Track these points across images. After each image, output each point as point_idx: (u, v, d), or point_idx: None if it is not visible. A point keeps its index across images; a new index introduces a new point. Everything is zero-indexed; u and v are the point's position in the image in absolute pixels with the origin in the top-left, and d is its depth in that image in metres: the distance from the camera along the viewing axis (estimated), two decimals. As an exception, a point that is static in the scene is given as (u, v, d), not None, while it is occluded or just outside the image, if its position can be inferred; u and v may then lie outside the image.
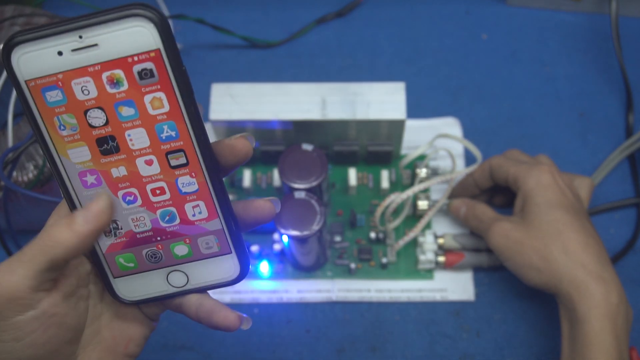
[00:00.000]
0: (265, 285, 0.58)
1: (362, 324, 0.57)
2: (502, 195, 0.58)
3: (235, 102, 0.55)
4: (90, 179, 0.33)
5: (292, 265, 0.58)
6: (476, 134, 0.64)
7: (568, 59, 0.68)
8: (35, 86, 0.30)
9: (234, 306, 0.57)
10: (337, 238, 0.58)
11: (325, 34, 0.70)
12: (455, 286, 0.57)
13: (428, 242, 0.57)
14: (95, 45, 0.30)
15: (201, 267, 0.35)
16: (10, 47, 0.30)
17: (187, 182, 0.33)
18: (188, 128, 0.32)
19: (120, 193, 0.33)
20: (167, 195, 0.33)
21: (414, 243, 0.58)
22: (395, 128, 0.56)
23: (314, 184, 0.52)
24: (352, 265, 0.57)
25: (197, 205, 0.34)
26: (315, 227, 0.50)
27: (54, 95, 0.31)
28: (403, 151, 0.62)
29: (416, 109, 0.65)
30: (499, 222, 0.51)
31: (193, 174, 0.33)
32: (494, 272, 0.58)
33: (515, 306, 0.57)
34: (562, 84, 0.66)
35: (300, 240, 0.51)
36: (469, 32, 0.69)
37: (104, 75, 0.30)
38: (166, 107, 0.31)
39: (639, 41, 0.68)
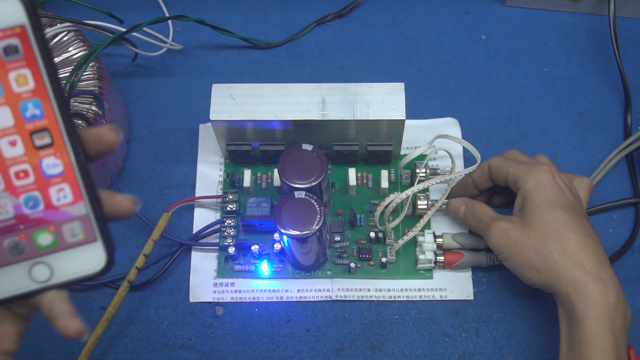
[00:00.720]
0: (265, 284, 0.58)
1: (362, 323, 0.57)
2: (501, 196, 0.59)
3: (236, 102, 0.56)
4: None
5: (292, 264, 0.58)
6: (475, 134, 0.64)
7: (567, 60, 0.68)
8: None
9: (234, 305, 0.58)
10: (337, 238, 0.59)
11: (325, 34, 0.70)
12: (455, 285, 0.58)
13: (427, 242, 0.57)
14: None
15: (66, 257, 0.33)
16: None
17: (52, 164, 0.32)
18: (53, 106, 0.31)
19: None
20: (32, 179, 0.32)
21: (414, 243, 0.59)
22: (395, 128, 0.56)
23: (314, 184, 0.52)
24: (352, 265, 0.57)
25: (62, 189, 0.32)
26: (315, 227, 0.50)
27: None
28: (403, 151, 0.62)
29: (416, 109, 0.65)
30: (498, 221, 0.52)
31: (58, 154, 0.32)
32: (493, 271, 0.58)
33: (515, 305, 0.57)
34: (560, 84, 0.67)
35: (300, 240, 0.51)
36: (468, 32, 0.70)
37: None
38: (31, 85, 0.31)
39: (637, 42, 0.68)
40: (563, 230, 0.49)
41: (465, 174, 0.57)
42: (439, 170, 0.60)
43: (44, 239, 0.33)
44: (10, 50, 0.30)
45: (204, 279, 0.58)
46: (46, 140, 0.31)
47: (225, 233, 0.58)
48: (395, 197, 0.54)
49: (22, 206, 0.32)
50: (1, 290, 0.33)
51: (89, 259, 0.33)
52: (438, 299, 0.57)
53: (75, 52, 0.58)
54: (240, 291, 0.58)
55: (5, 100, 0.31)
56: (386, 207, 0.55)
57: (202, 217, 0.60)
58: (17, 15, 0.29)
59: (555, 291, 0.49)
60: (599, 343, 0.45)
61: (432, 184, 0.55)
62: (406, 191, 0.54)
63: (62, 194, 0.32)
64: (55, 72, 0.31)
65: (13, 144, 0.31)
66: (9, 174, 0.32)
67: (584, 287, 0.47)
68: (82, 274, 0.33)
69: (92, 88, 0.57)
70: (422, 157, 0.60)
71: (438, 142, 0.61)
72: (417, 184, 0.55)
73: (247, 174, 0.60)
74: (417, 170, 0.58)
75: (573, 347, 0.47)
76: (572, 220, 0.49)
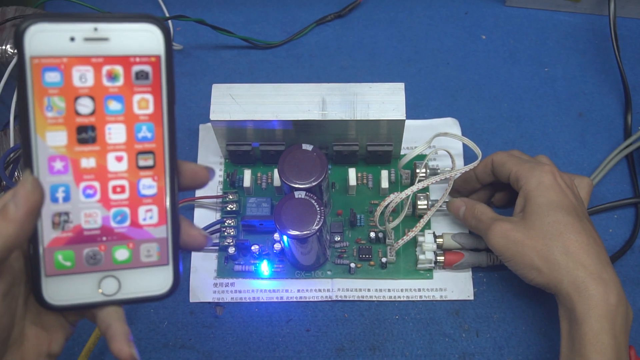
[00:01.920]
0: (266, 284, 0.58)
1: (362, 323, 0.57)
2: (501, 195, 0.59)
3: (236, 102, 0.56)
4: (58, 165, 0.33)
5: (292, 264, 0.58)
6: (475, 134, 0.64)
7: (567, 60, 0.68)
8: (38, 64, 0.32)
9: (234, 305, 0.58)
10: (337, 238, 0.59)
11: (325, 34, 0.70)
12: (455, 286, 0.58)
13: (427, 242, 0.57)
14: (107, 39, 0.32)
15: (136, 275, 0.35)
16: (29, 23, 0.31)
17: (148, 185, 0.34)
18: (164, 133, 0.34)
19: (82, 185, 0.33)
20: (126, 195, 0.34)
21: (414, 243, 0.59)
22: (395, 128, 0.56)
23: (314, 184, 0.52)
24: (352, 265, 0.57)
25: (150, 210, 0.34)
26: (315, 227, 0.50)
27: (52, 77, 0.32)
28: (403, 151, 0.62)
29: (416, 109, 0.65)
30: (498, 222, 0.51)
31: (156, 177, 0.34)
32: (493, 271, 0.58)
33: (514, 305, 0.57)
34: (560, 85, 0.67)
35: (300, 240, 0.51)
36: (468, 32, 0.70)
37: (105, 69, 0.32)
38: (150, 109, 0.33)
39: (637, 42, 0.68)
40: (565, 231, 0.49)
41: (470, 169, 0.57)
42: (439, 170, 0.60)
43: (121, 254, 0.35)
44: (141, 75, 0.33)
45: (204, 279, 0.58)
46: (149, 162, 0.34)
47: (226, 233, 0.58)
48: (395, 197, 0.54)
49: (110, 219, 0.34)
50: (69, 297, 0.34)
51: (156, 280, 0.35)
52: (438, 299, 0.57)
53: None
54: (240, 291, 0.58)
55: (124, 119, 0.33)
56: (386, 207, 0.55)
57: (202, 217, 0.60)
58: (156, 45, 0.33)
59: (557, 292, 0.49)
60: (600, 344, 0.45)
61: (432, 183, 0.55)
62: (405, 191, 0.54)
63: (149, 215, 0.35)
64: (173, 102, 0.34)
65: (119, 159, 0.34)
66: (107, 187, 0.34)
67: (585, 288, 0.47)
68: (147, 294, 0.35)
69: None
70: (421, 157, 0.60)
71: (438, 142, 0.61)
72: (417, 183, 0.55)
73: (247, 174, 0.60)
74: (417, 170, 0.58)
75: (573, 347, 0.47)
76: (574, 221, 0.49)
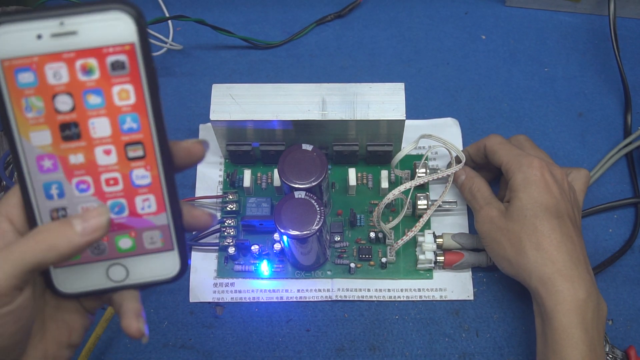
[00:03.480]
0: (266, 284, 0.58)
1: (362, 323, 0.57)
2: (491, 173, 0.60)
3: (236, 102, 0.56)
4: (47, 163, 0.33)
5: (292, 264, 0.58)
6: (475, 134, 0.64)
7: (567, 60, 0.68)
8: (9, 66, 0.31)
9: (234, 305, 0.58)
10: (337, 238, 0.59)
11: (325, 34, 0.70)
12: (455, 286, 0.58)
13: (427, 242, 0.57)
14: (75, 32, 0.31)
15: (143, 262, 0.35)
16: None
17: (141, 175, 0.34)
18: (150, 122, 0.33)
19: (74, 180, 0.33)
20: (120, 187, 0.34)
21: (414, 243, 0.59)
22: (395, 128, 0.56)
23: (314, 184, 0.52)
24: (352, 265, 0.57)
25: (148, 199, 0.34)
26: (315, 227, 0.50)
27: (26, 77, 0.31)
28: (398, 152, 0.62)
29: (416, 109, 0.65)
30: (488, 207, 0.53)
31: (148, 167, 0.34)
32: (493, 271, 0.58)
33: (514, 305, 0.57)
34: (560, 85, 0.67)
35: (300, 240, 0.51)
36: (468, 32, 0.70)
37: (78, 63, 0.31)
38: (132, 100, 0.32)
39: (637, 42, 0.68)
40: (540, 227, 0.50)
41: (464, 148, 0.59)
42: (439, 170, 0.60)
43: (125, 243, 0.35)
44: (117, 66, 0.32)
45: (204, 279, 0.58)
46: (139, 152, 0.33)
47: (225, 233, 0.58)
48: (386, 199, 0.54)
49: None
50: (81, 285, 0.35)
51: (164, 265, 0.36)
52: (438, 299, 0.57)
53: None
54: (240, 291, 0.58)
55: (106, 112, 0.32)
56: (382, 207, 0.55)
57: (202, 217, 0.60)
58: (128, 33, 0.31)
59: (527, 286, 0.50)
60: (570, 338, 0.46)
61: (426, 181, 0.55)
62: (398, 187, 0.53)
63: (147, 204, 0.34)
64: (156, 90, 0.33)
65: (107, 152, 0.33)
66: (100, 180, 0.33)
67: (552, 284, 0.48)
68: (156, 278, 0.36)
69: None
70: (415, 157, 0.60)
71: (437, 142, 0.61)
72: (410, 181, 0.55)
73: (247, 174, 0.60)
74: (417, 170, 0.58)
75: (546, 343, 0.48)
76: (550, 218, 0.50)
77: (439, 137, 0.55)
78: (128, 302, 0.35)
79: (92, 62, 0.31)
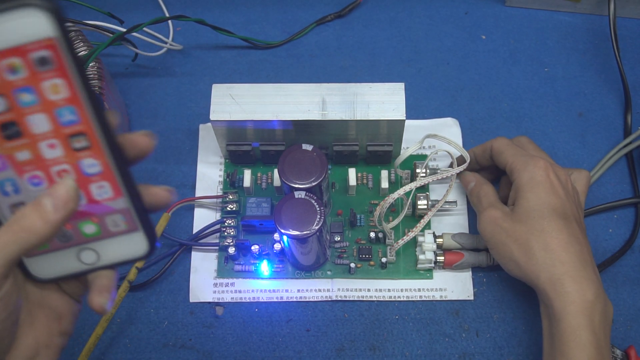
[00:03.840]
0: (266, 284, 0.58)
1: (362, 323, 0.57)
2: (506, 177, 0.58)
3: (236, 102, 0.56)
4: None
5: (292, 264, 0.58)
6: (475, 134, 0.64)
7: (567, 60, 0.68)
8: None
9: (234, 305, 0.58)
10: (337, 238, 0.59)
11: (325, 34, 0.70)
12: (455, 286, 0.58)
13: (427, 242, 0.57)
14: None
15: (110, 244, 0.36)
16: None
17: (91, 164, 0.34)
18: (88, 112, 0.33)
19: (26, 176, 0.34)
20: (73, 177, 0.34)
21: (414, 243, 0.59)
22: (395, 128, 0.56)
23: (314, 184, 0.52)
24: (352, 265, 0.57)
25: (102, 186, 0.35)
26: (315, 227, 0.50)
27: None
28: (402, 151, 0.62)
29: (416, 109, 0.65)
30: (491, 208, 0.53)
31: (95, 155, 0.34)
32: (493, 271, 0.58)
33: (515, 305, 0.57)
34: (560, 85, 0.67)
35: (300, 240, 0.51)
36: (468, 32, 0.70)
37: (3, 64, 0.31)
38: (65, 93, 0.32)
39: (637, 42, 0.68)
40: (547, 228, 0.49)
41: (470, 149, 0.58)
42: (439, 170, 0.60)
43: (89, 228, 0.36)
44: (42, 62, 0.32)
45: (204, 279, 0.58)
46: (83, 143, 0.33)
47: (226, 233, 0.58)
48: (390, 199, 0.54)
49: None
50: (56, 270, 0.36)
51: (132, 245, 0.36)
52: (438, 299, 0.57)
53: (76, 52, 0.58)
54: (240, 291, 0.58)
55: (42, 108, 0.32)
56: (382, 208, 0.55)
57: (202, 217, 0.60)
58: (47, 28, 0.31)
59: (535, 287, 0.50)
60: (578, 339, 0.46)
61: (429, 182, 0.55)
62: (399, 190, 0.54)
63: (103, 190, 0.35)
64: (86, 79, 0.33)
65: (52, 146, 0.33)
66: (51, 173, 0.34)
67: (561, 285, 0.48)
68: (126, 257, 0.37)
69: (93, 88, 0.57)
70: (416, 157, 0.60)
71: (438, 143, 0.61)
72: (416, 181, 0.55)
73: (247, 174, 0.60)
74: (417, 170, 0.58)
75: (553, 344, 0.47)
76: (557, 219, 0.50)
77: (444, 137, 0.55)
78: (98, 280, 0.36)
79: (16, 61, 0.31)
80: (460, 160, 0.58)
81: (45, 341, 0.36)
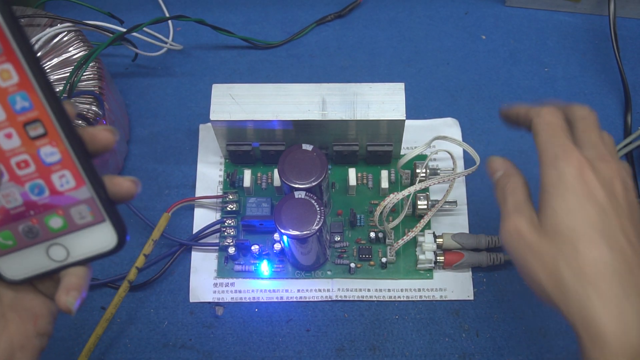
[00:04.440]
0: (266, 284, 0.58)
1: (362, 323, 0.57)
2: None
3: (236, 102, 0.56)
4: None
5: (292, 264, 0.58)
6: (475, 134, 0.64)
7: (567, 60, 0.68)
8: None
9: (234, 305, 0.58)
10: (337, 238, 0.59)
11: (325, 34, 0.70)
12: (455, 286, 0.58)
13: (427, 242, 0.57)
14: None
15: (79, 238, 0.35)
16: None
17: (50, 152, 0.33)
18: (40, 97, 0.32)
19: None
20: (33, 168, 0.34)
21: (414, 243, 0.59)
22: (395, 128, 0.56)
23: (314, 184, 0.52)
24: (352, 265, 0.57)
25: (64, 175, 0.34)
26: (315, 227, 0.50)
27: None
28: (403, 151, 0.62)
29: (416, 109, 0.65)
30: (517, 214, 0.40)
31: (54, 142, 0.33)
32: (493, 271, 0.58)
33: (515, 305, 0.57)
34: (560, 85, 0.67)
35: (300, 240, 0.51)
36: (468, 33, 0.70)
37: None
38: (15, 78, 0.32)
39: (637, 42, 0.68)
40: (582, 249, 0.37)
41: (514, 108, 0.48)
42: (439, 171, 0.60)
43: (55, 222, 0.35)
44: None
45: (204, 279, 0.58)
46: (40, 130, 0.33)
47: (226, 233, 0.58)
48: (393, 198, 0.54)
49: (28, 193, 0.34)
50: (26, 269, 0.35)
51: (100, 238, 0.35)
52: (438, 299, 0.57)
53: (76, 52, 0.58)
54: (240, 291, 0.58)
55: None
56: (384, 207, 0.55)
57: (202, 217, 0.60)
58: None
59: (567, 320, 0.38)
60: None
61: (431, 185, 0.55)
62: (403, 191, 0.54)
63: (65, 180, 0.34)
64: (37, 64, 0.32)
65: (9, 136, 0.33)
66: (11, 165, 0.33)
67: (596, 327, 0.36)
68: (97, 252, 0.36)
69: (92, 88, 0.57)
70: (420, 157, 0.60)
71: (438, 143, 0.61)
72: (417, 183, 0.55)
73: (247, 174, 0.60)
74: (418, 171, 0.58)
75: None
76: (595, 238, 0.37)
77: (454, 139, 0.55)
78: (67, 277, 0.35)
79: None
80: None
81: (20, 343, 0.36)
